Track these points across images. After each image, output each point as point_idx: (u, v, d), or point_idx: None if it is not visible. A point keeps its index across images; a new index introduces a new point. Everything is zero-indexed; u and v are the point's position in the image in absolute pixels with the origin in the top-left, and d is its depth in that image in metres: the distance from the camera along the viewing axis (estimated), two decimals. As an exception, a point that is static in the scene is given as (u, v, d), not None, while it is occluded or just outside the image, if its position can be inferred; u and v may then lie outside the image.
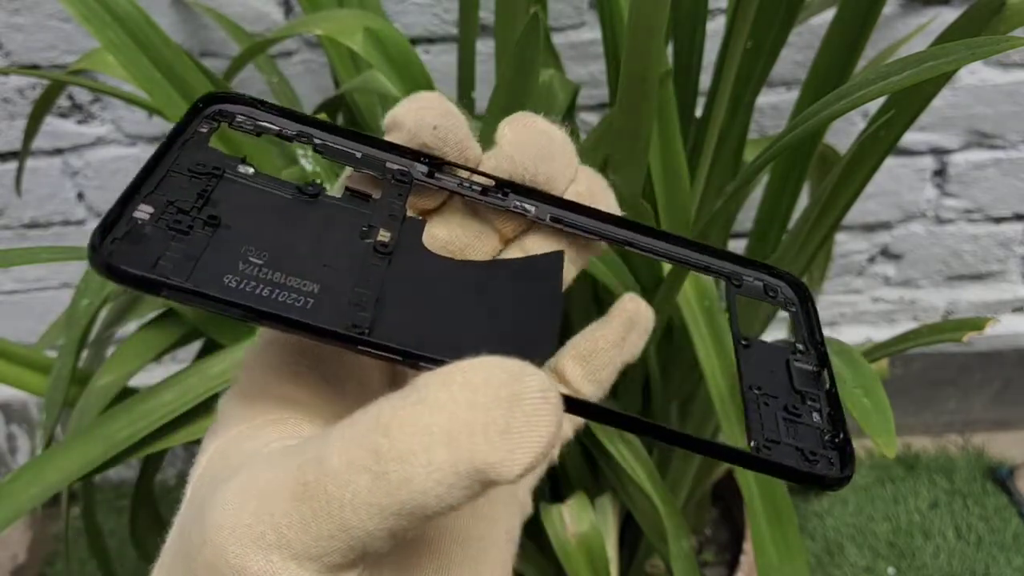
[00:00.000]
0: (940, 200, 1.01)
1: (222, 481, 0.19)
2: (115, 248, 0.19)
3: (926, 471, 1.14)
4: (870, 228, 1.04)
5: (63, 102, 0.89)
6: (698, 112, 0.67)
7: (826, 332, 0.24)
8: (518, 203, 0.24)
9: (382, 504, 0.16)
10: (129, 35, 0.56)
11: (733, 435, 0.55)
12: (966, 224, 1.03)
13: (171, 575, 0.19)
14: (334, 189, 0.24)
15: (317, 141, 0.23)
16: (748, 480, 0.54)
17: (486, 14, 0.77)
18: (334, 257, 0.21)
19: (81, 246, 0.31)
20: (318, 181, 0.23)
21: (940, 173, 0.99)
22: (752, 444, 0.21)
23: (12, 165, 0.92)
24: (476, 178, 0.24)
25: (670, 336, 0.68)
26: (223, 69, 0.72)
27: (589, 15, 0.84)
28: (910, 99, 0.53)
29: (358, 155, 0.24)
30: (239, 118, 0.23)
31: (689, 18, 0.61)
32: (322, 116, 0.29)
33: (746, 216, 0.84)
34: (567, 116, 0.63)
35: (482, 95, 0.75)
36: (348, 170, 0.24)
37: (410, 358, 0.19)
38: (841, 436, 0.22)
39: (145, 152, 0.93)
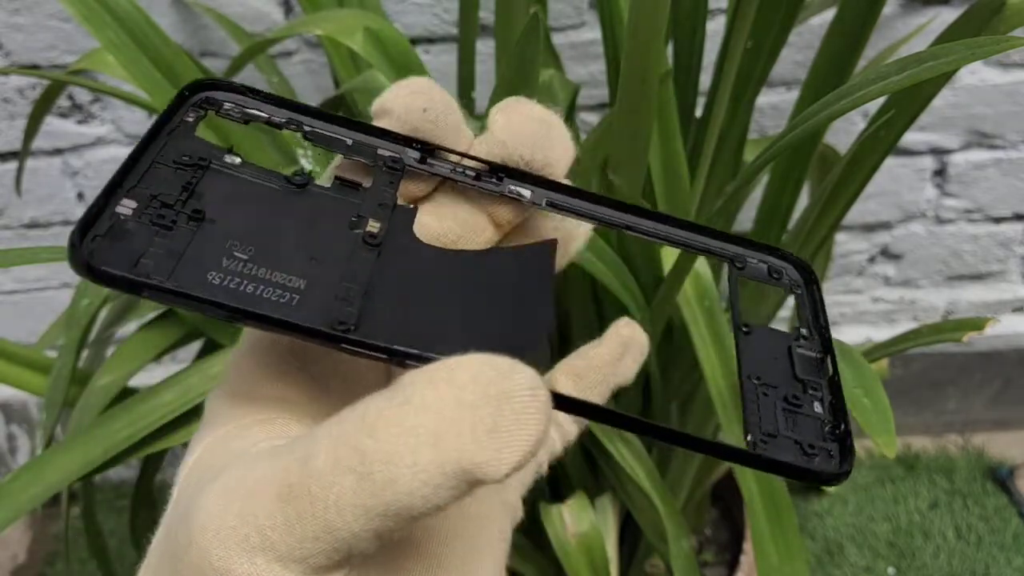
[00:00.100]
0: (940, 200, 1.01)
1: (207, 482, 0.18)
2: (96, 246, 0.19)
3: (926, 471, 1.14)
4: (870, 228, 1.04)
5: (63, 102, 0.89)
6: (698, 112, 0.67)
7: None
8: (513, 187, 0.23)
9: (367, 505, 0.16)
10: (129, 35, 0.56)
11: (734, 435, 0.55)
12: (966, 224, 1.03)
13: (157, 575, 0.19)
14: (323, 178, 0.23)
15: (307, 128, 0.23)
16: (748, 480, 0.54)
17: (486, 14, 0.77)
18: (322, 250, 0.21)
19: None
20: (307, 171, 0.22)
21: (940, 173, 0.99)
22: (748, 439, 0.20)
23: (12, 165, 0.92)
24: (470, 163, 0.23)
25: (670, 336, 0.68)
26: (223, 69, 0.72)
27: (589, 15, 0.84)
28: (910, 99, 0.53)
29: (348, 142, 0.23)
30: (227, 106, 0.23)
31: (689, 18, 0.61)
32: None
33: (746, 216, 0.84)
34: (567, 116, 0.63)
35: (482, 95, 0.75)
36: (338, 158, 0.23)
37: (396, 356, 0.19)
38: (842, 427, 0.21)
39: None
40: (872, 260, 1.07)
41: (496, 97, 0.50)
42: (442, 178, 0.23)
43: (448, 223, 0.23)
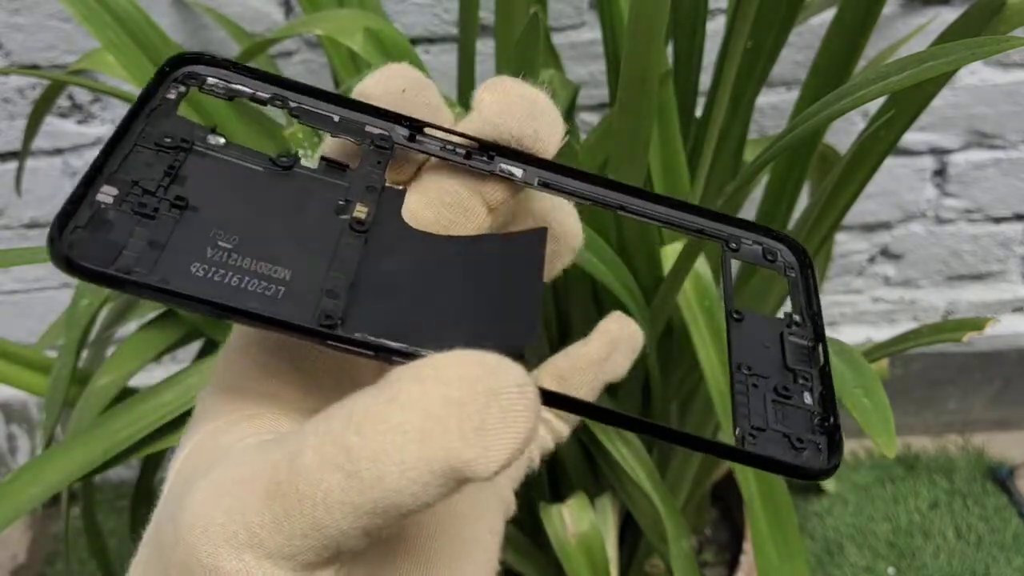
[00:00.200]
0: (940, 200, 1.01)
1: (196, 478, 0.18)
2: (75, 239, 0.18)
3: (926, 471, 1.14)
4: (870, 228, 1.04)
5: (63, 102, 0.89)
6: (698, 112, 0.67)
7: (826, 332, 0.23)
8: (504, 166, 0.22)
9: (355, 503, 0.16)
10: (129, 35, 0.56)
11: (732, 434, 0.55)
12: (966, 224, 1.03)
13: (147, 572, 0.19)
14: (312, 159, 0.22)
15: (293, 104, 0.22)
16: (748, 480, 0.54)
17: (486, 14, 0.77)
18: (307, 237, 0.20)
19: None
20: (293, 151, 0.22)
21: (940, 173, 0.99)
22: (737, 432, 0.20)
23: (12, 165, 0.92)
24: (459, 140, 0.22)
25: (670, 336, 0.68)
26: (223, 69, 0.72)
27: (589, 15, 0.84)
28: (910, 99, 0.53)
29: (336, 119, 0.22)
30: (210, 81, 0.22)
31: (689, 18, 0.61)
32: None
33: (746, 216, 0.84)
34: (567, 116, 0.63)
35: (482, 95, 0.75)
36: (328, 140, 0.22)
37: (382, 352, 0.18)
38: (831, 420, 0.20)
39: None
40: (872, 260, 1.07)
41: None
42: (431, 156, 0.22)
43: (440, 209, 0.22)
